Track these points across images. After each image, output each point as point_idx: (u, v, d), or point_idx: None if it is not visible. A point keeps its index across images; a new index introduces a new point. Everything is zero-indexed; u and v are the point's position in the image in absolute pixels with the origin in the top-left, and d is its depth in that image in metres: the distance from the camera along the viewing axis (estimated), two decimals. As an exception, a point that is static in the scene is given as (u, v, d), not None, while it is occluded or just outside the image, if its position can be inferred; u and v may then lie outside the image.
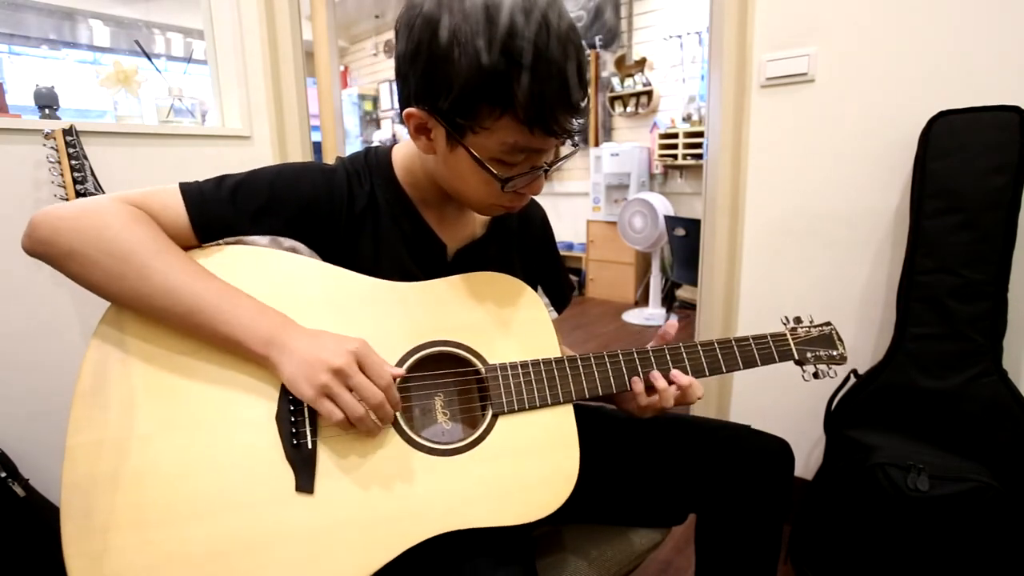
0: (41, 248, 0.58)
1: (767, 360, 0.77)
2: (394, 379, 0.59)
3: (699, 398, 0.73)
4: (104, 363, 0.57)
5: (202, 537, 0.54)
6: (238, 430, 0.58)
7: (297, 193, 0.66)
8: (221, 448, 0.57)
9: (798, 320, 0.83)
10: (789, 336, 0.79)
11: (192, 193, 0.63)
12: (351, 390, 0.56)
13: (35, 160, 1.23)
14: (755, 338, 0.77)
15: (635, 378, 0.71)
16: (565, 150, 0.64)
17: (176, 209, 0.62)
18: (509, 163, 0.60)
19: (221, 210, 0.63)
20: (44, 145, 1.21)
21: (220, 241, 0.64)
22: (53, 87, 1.33)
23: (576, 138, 0.62)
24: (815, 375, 0.80)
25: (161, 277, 0.57)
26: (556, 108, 0.56)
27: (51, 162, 1.20)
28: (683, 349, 0.74)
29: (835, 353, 0.81)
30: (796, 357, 0.79)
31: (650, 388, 0.71)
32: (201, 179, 0.65)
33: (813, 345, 0.80)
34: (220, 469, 0.56)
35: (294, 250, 0.66)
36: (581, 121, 0.60)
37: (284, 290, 0.62)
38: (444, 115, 0.58)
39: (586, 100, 0.59)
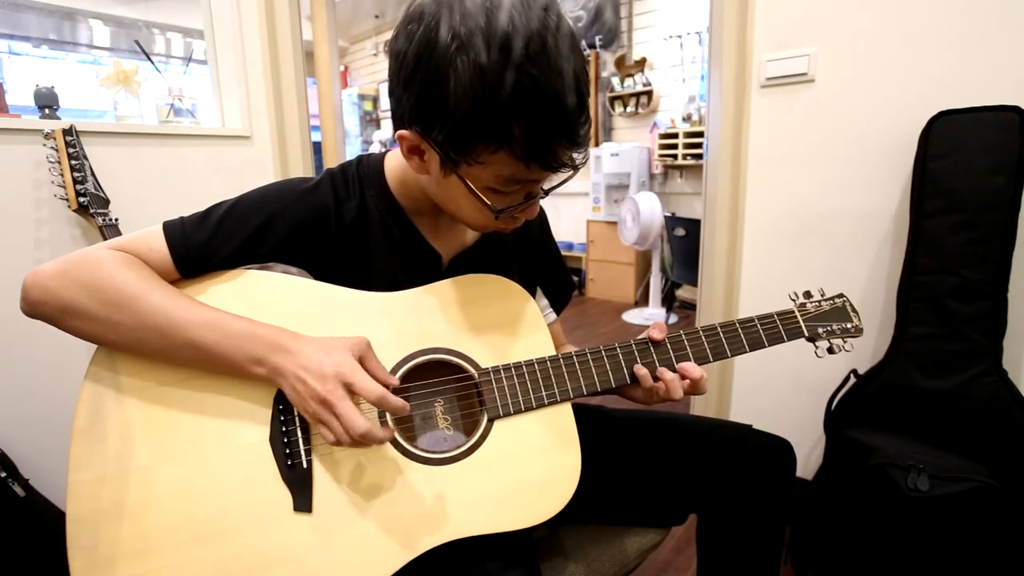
0: (38, 309, 0.58)
1: (775, 340, 0.74)
2: (388, 387, 0.57)
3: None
4: (99, 400, 0.58)
5: (205, 562, 0.54)
6: (234, 455, 0.58)
7: (282, 220, 0.65)
8: (219, 474, 0.57)
9: (807, 295, 0.79)
10: (797, 313, 0.76)
11: (174, 233, 0.62)
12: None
13: (35, 160, 1.23)
14: (760, 318, 0.74)
15: (637, 366, 0.70)
16: (564, 174, 0.61)
17: (161, 251, 0.62)
18: (504, 192, 0.59)
19: (204, 248, 0.62)
20: (44, 145, 1.21)
21: None
22: (53, 87, 1.33)
23: (577, 161, 0.58)
24: (829, 350, 0.76)
25: (151, 317, 0.57)
26: (555, 143, 0.54)
27: (51, 162, 1.20)
28: (684, 336, 0.72)
29: (850, 326, 0.77)
30: (806, 334, 0.76)
31: (656, 378, 0.70)
32: (186, 215, 0.65)
33: (825, 320, 0.76)
34: (219, 494, 0.56)
35: (286, 272, 0.66)
36: (582, 153, 0.57)
37: (267, 312, 0.62)
38: (438, 144, 0.56)
39: (587, 127, 0.56)
